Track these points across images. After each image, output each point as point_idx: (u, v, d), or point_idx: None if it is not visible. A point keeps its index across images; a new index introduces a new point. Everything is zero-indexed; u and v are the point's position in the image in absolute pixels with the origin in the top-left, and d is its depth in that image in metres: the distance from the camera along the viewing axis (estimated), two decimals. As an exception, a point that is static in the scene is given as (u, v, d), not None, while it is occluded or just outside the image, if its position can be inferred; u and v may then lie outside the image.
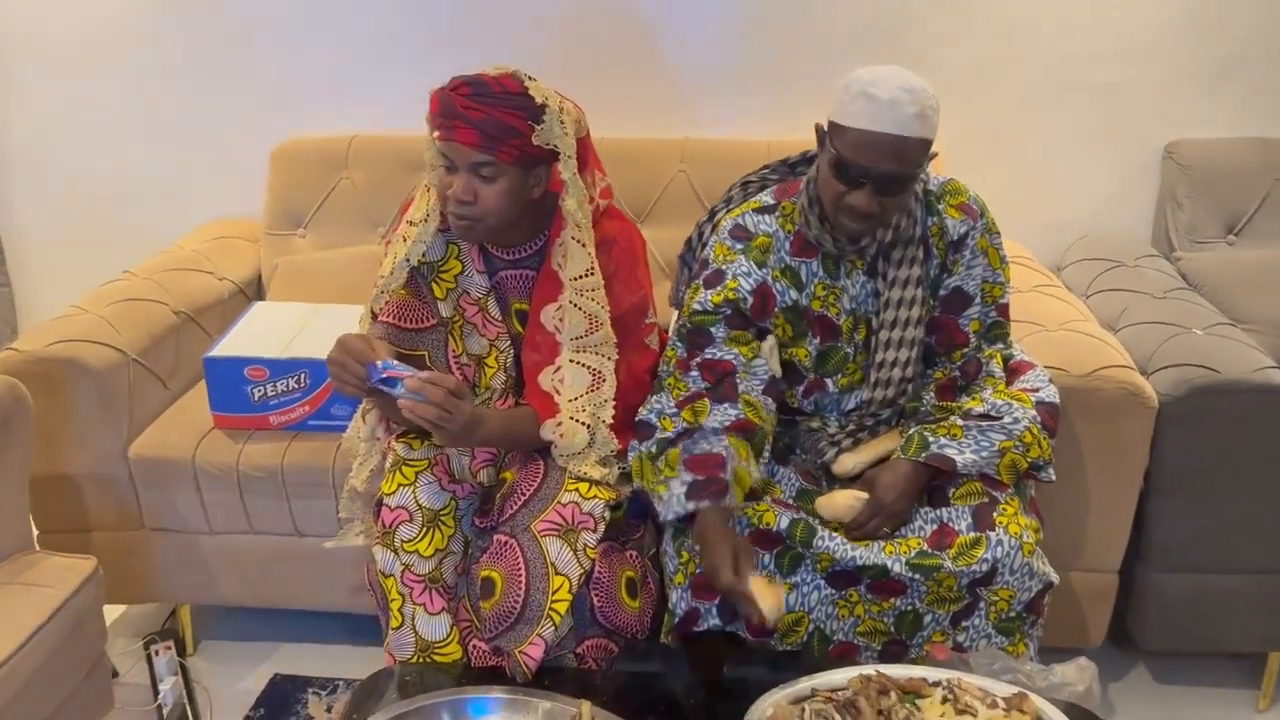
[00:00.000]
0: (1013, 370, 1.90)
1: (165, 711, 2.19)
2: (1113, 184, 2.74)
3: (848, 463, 1.86)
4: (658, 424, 1.80)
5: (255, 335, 2.30)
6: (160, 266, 2.59)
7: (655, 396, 1.85)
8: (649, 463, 1.78)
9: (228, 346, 2.26)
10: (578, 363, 1.80)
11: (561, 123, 1.72)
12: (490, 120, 1.67)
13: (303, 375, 2.21)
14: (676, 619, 1.79)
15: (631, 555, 1.85)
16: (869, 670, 1.62)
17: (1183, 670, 2.31)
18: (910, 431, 1.81)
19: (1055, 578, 1.79)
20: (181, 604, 2.41)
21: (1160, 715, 2.21)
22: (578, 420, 1.79)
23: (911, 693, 1.59)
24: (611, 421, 1.81)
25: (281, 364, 2.20)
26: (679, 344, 1.85)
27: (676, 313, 1.99)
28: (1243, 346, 2.12)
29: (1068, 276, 2.60)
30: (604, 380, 1.81)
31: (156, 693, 2.23)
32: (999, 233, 1.86)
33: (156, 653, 2.29)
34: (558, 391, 1.80)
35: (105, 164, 2.93)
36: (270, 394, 2.22)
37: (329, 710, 2.24)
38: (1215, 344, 2.12)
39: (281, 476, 2.19)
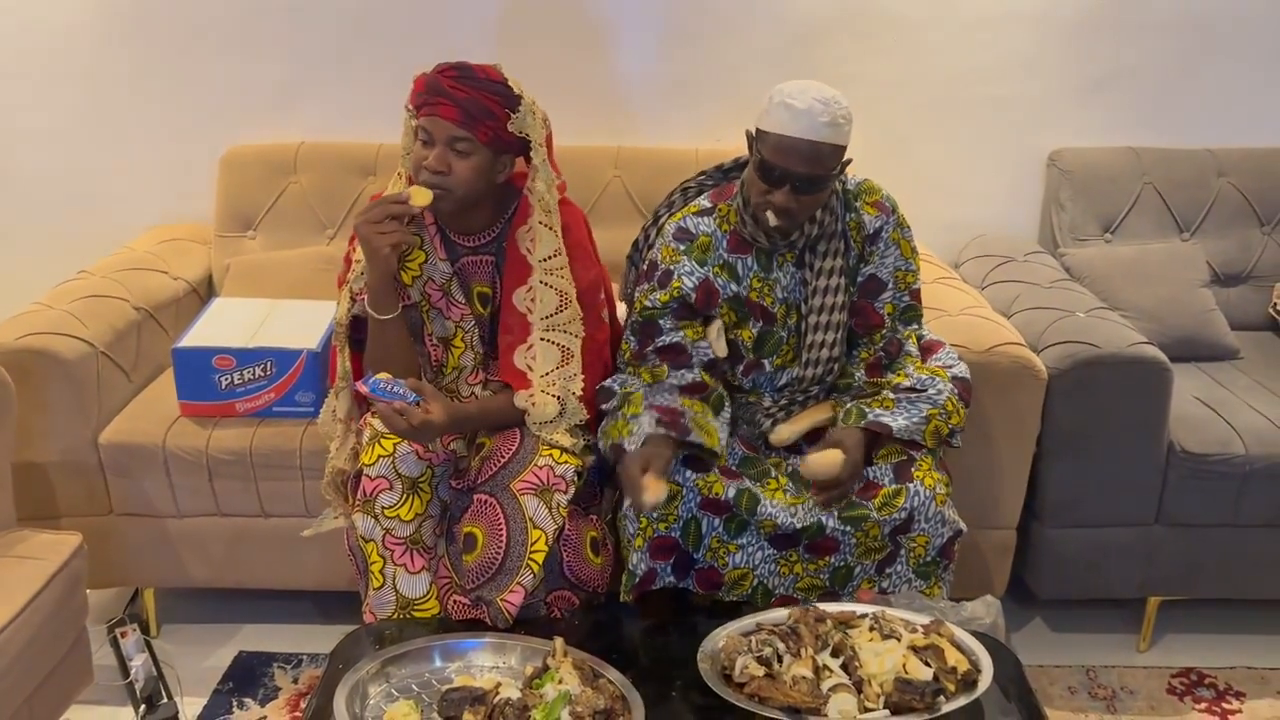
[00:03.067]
0: (925, 349, 2.13)
1: (138, 687, 2.28)
2: (1003, 188, 3.03)
3: (784, 433, 2.07)
4: (617, 390, 2.00)
5: (219, 327, 2.43)
6: (116, 266, 2.69)
7: (615, 376, 2.04)
8: (612, 421, 1.96)
9: (195, 337, 2.38)
10: (548, 340, 1.99)
11: (534, 114, 1.92)
12: (472, 100, 1.87)
13: (268, 364, 2.34)
14: (635, 578, 1.98)
15: (593, 519, 2.04)
16: (808, 605, 1.85)
17: (1074, 618, 2.59)
18: (848, 405, 2.02)
19: (964, 526, 2.04)
20: (148, 587, 2.51)
21: (1056, 659, 2.47)
22: (549, 393, 1.97)
23: (844, 623, 1.82)
24: (581, 393, 2.00)
25: (248, 353, 2.34)
26: (631, 338, 2.05)
27: (627, 309, 2.17)
28: (1119, 326, 2.42)
29: (965, 271, 2.89)
30: (572, 356, 2.00)
31: (126, 672, 2.32)
32: (909, 227, 2.09)
33: (123, 634, 2.39)
34: (530, 368, 1.98)
35: (48, 169, 2.99)
36: (237, 382, 2.35)
37: (295, 681, 2.37)
38: (1095, 324, 2.41)
39: (250, 459, 2.32)
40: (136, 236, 2.92)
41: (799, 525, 1.94)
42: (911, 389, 2.02)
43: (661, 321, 2.02)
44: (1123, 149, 2.92)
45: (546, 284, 1.98)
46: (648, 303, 2.02)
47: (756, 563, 1.99)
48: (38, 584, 1.89)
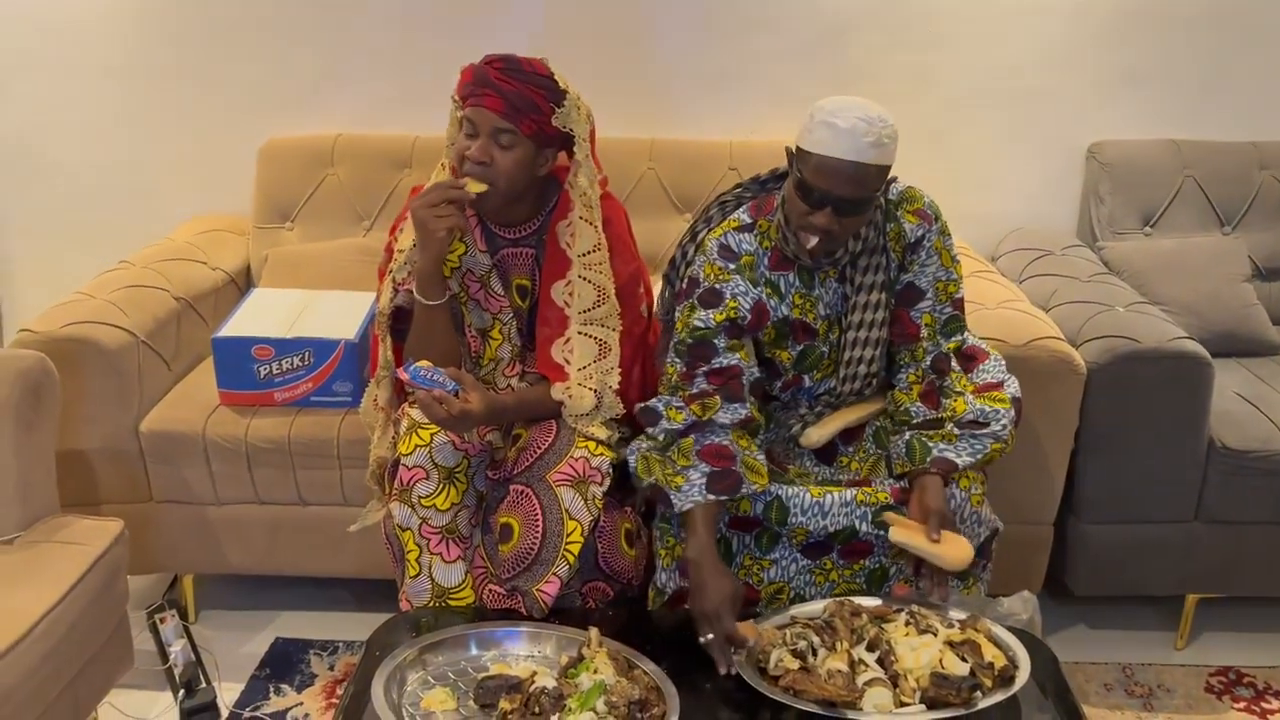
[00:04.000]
0: (968, 356, 2.03)
1: (177, 672, 2.31)
2: (1041, 181, 3.01)
3: (814, 435, 2.03)
4: (664, 412, 1.93)
5: (259, 317, 2.45)
6: (156, 256, 2.72)
7: (659, 396, 1.97)
8: (657, 456, 1.91)
9: (235, 327, 2.40)
10: (585, 334, 1.99)
11: (578, 109, 1.92)
12: (517, 93, 1.87)
13: (307, 353, 2.36)
14: (665, 596, 1.97)
15: (627, 511, 2.04)
16: (843, 599, 1.85)
17: (1110, 615, 2.57)
18: (908, 437, 1.94)
19: (1000, 524, 2.02)
20: (187, 573, 2.54)
21: (1092, 656, 2.45)
22: (585, 386, 1.97)
23: (880, 617, 1.82)
24: (617, 387, 2.00)
25: (287, 343, 2.36)
26: (677, 360, 1.94)
27: (665, 330, 2.09)
28: (1159, 320, 2.39)
29: (1002, 264, 2.87)
30: (610, 350, 2.00)
31: (165, 657, 2.36)
32: (950, 235, 2.02)
33: (162, 620, 2.43)
34: (568, 362, 1.99)
35: (90, 161, 3.03)
36: (275, 372, 2.37)
37: (331, 668, 2.39)
38: (1135, 319, 2.39)
39: (288, 448, 2.35)
40: (176, 227, 2.96)
41: (831, 529, 1.92)
42: (975, 422, 1.94)
43: (716, 341, 1.92)
44: (1163, 141, 2.89)
45: (585, 279, 1.98)
46: (697, 322, 1.92)
47: (791, 575, 1.97)
48: (81, 569, 1.92)
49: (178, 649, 2.34)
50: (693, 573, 1.82)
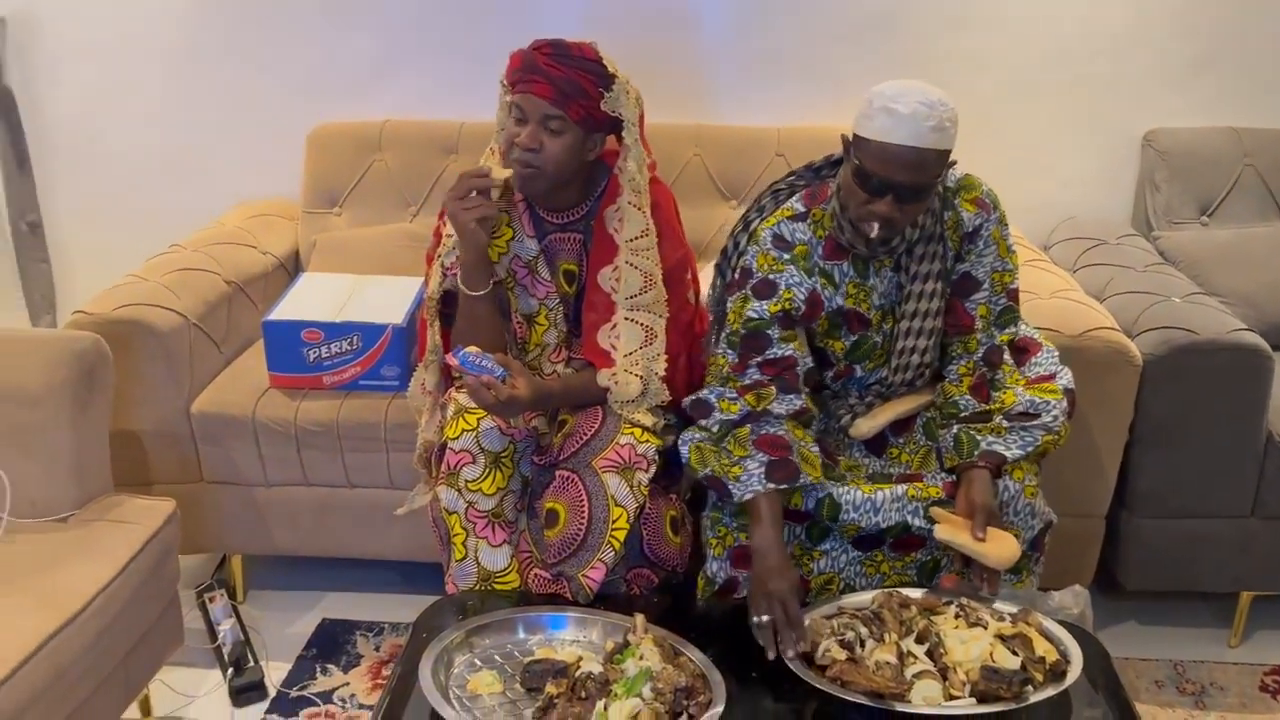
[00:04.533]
0: (1020, 348, 2.00)
1: (226, 650, 2.35)
2: (1095, 169, 2.95)
3: (863, 427, 2.01)
4: (716, 404, 1.91)
5: (308, 301, 2.47)
6: (207, 240, 2.74)
7: (709, 387, 1.95)
8: (711, 446, 1.90)
9: (285, 311, 2.43)
10: (632, 320, 1.99)
11: (627, 93, 1.91)
12: (566, 79, 1.87)
13: (355, 338, 2.38)
14: (715, 586, 1.96)
15: (672, 498, 2.04)
16: (891, 590, 1.83)
17: (1162, 611, 2.53)
18: (955, 431, 1.93)
19: (1054, 517, 1.99)
20: (236, 553, 2.58)
21: (1143, 652, 2.42)
22: (631, 373, 1.97)
23: (929, 609, 1.80)
24: (664, 373, 1.99)
25: (336, 327, 2.38)
26: (728, 351, 1.92)
27: (715, 321, 2.05)
28: (1217, 312, 2.34)
29: (1055, 254, 2.82)
30: (656, 336, 2.00)
31: (214, 635, 2.39)
32: (1008, 224, 1.98)
33: (211, 599, 2.46)
34: (614, 348, 1.99)
35: (141, 146, 3.06)
36: (325, 355, 2.39)
37: (377, 649, 2.41)
38: (1192, 310, 2.34)
39: (337, 431, 2.37)
40: (225, 212, 2.98)
41: (883, 525, 1.90)
42: (1025, 414, 1.91)
43: (770, 332, 1.90)
44: (1223, 129, 2.82)
45: (632, 264, 1.98)
46: (751, 313, 1.90)
47: (841, 565, 1.96)
48: (134, 548, 1.95)
49: (226, 628, 2.38)
50: (758, 561, 1.80)
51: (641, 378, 1.98)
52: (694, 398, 1.96)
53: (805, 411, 1.92)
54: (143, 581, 1.96)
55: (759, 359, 1.91)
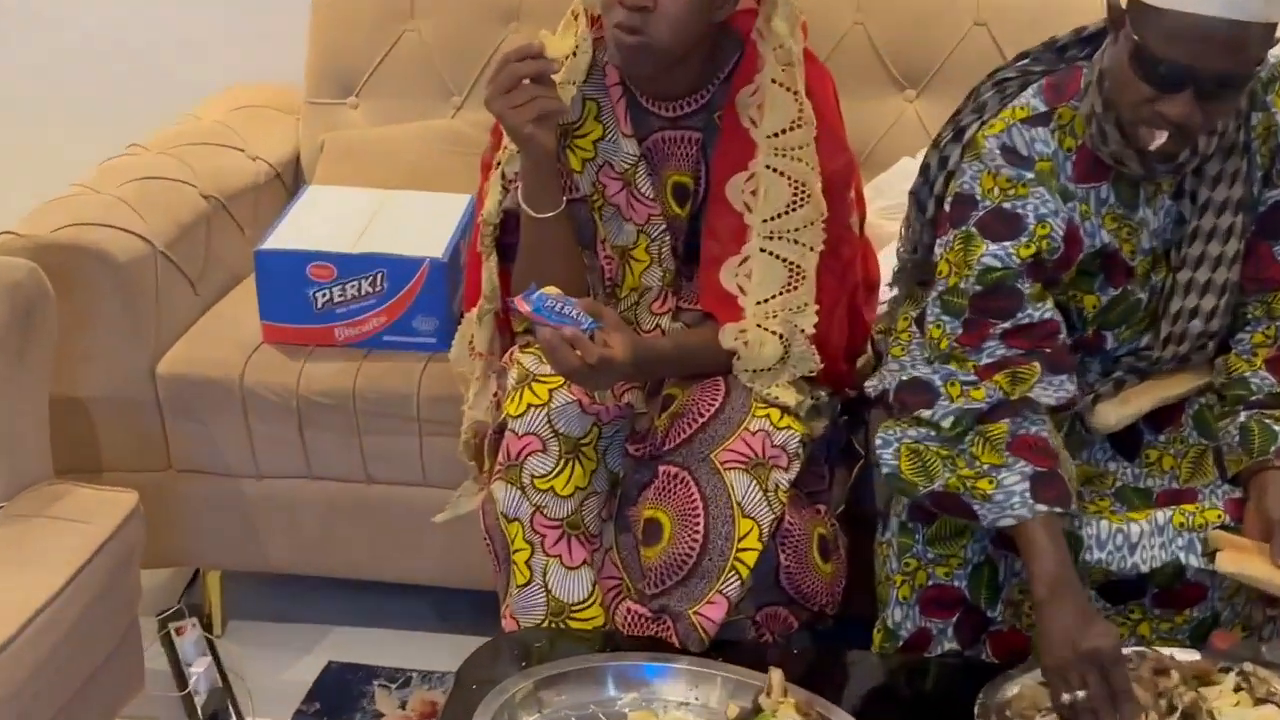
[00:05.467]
0: None
1: (199, 700, 2.39)
2: None
3: (1109, 415, 1.97)
4: (943, 388, 1.86)
5: (315, 225, 2.50)
6: (176, 140, 2.78)
7: (922, 363, 1.91)
8: (942, 449, 1.84)
9: (283, 238, 2.45)
10: (772, 253, 1.96)
11: None
12: None
13: (378, 276, 2.39)
14: (899, 640, 1.94)
15: (821, 510, 2.02)
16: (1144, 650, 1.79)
17: None
18: (1243, 420, 1.88)
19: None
20: (213, 569, 2.62)
21: None
22: (767, 329, 1.95)
23: (1197, 677, 1.76)
24: (813, 331, 1.97)
25: (353, 260, 2.39)
26: (948, 319, 1.89)
27: (895, 271, 2.07)
28: None
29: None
30: (804, 278, 1.97)
31: (183, 680, 2.44)
32: None
33: (180, 631, 2.51)
34: (743, 291, 1.97)
35: (92, 18, 3.12)
36: (337, 299, 2.41)
37: (403, 706, 2.44)
38: None
39: (353, 405, 2.39)
40: (202, 102, 3.01)
41: (1146, 569, 1.86)
42: None
43: (1019, 285, 1.85)
44: None
45: (776, 169, 1.95)
46: (989, 260, 1.84)
47: None
48: (84, 555, 1.97)
49: (199, 671, 2.42)
50: (1051, 610, 1.73)
51: (782, 336, 1.95)
52: (905, 380, 1.90)
53: (1073, 401, 1.88)
54: (93, 602, 1.99)
55: (1004, 325, 1.86)
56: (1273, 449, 1.84)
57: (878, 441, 1.89)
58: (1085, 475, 1.97)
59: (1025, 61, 1.97)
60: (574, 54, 1.98)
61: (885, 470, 1.88)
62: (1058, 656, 1.70)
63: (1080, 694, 1.66)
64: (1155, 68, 1.70)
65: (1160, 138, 1.74)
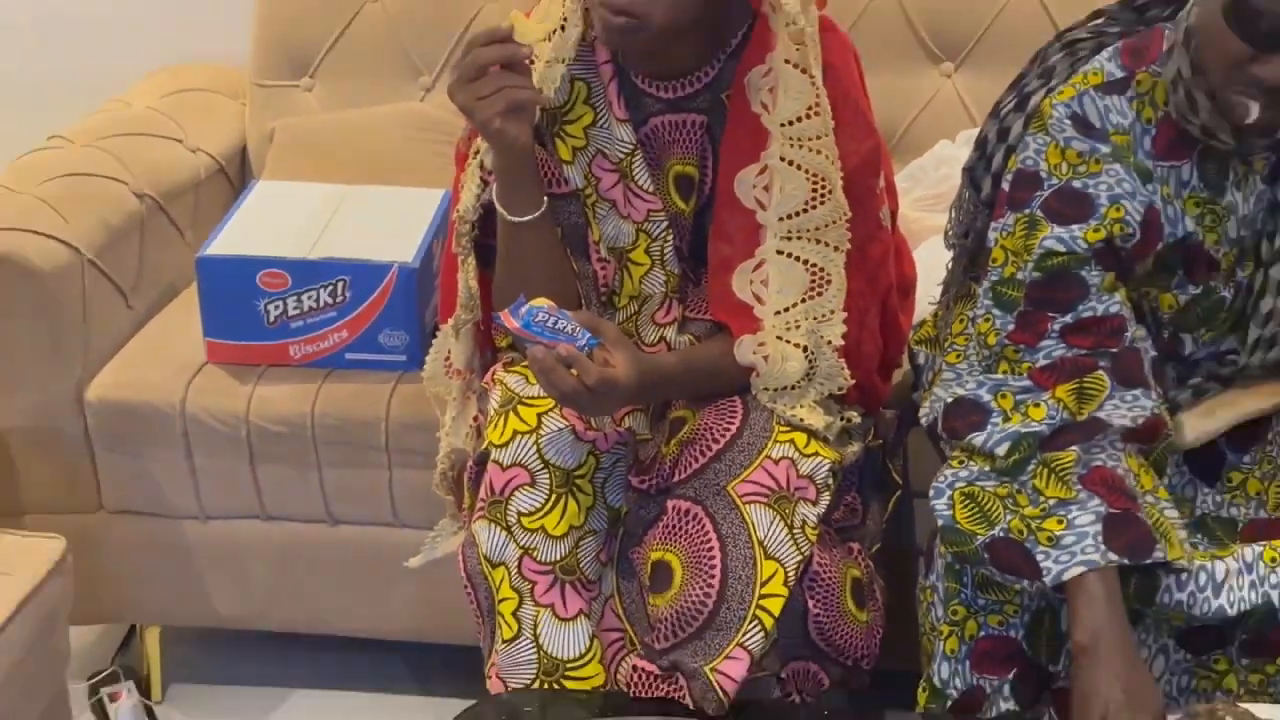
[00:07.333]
0: None
1: (136, 779, 2.39)
2: None
3: (1186, 431, 1.97)
4: (993, 404, 1.88)
5: (264, 228, 2.50)
6: (103, 130, 2.79)
7: (968, 375, 1.92)
8: (999, 487, 1.84)
9: (229, 242, 2.45)
10: (789, 254, 1.96)
11: None
12: None
13: (339, 285, 2.40)
14: (948, 701, 1.94)
15: (855, 550, 2.02)
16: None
17: None
18: None
19: None
20: (151, 624, 2.62)
21: None
22: (789, 341, 1.95)
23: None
24: (842, 343, 1.97)
25: (310, 267, 2.40)
26: (999, 313, 1.91)
27: (951, 264, 2.08)
28: None
29: None
30: (828, 282, 1.97)
31: (119, 753, 2.45)
32: None
33: (114, 697, 2.51)
34: (759, 300, 1.97)
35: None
36: (292, 312, 2.41)
37: (371, 784, 2.45)
38: None
39: (311, 433, 2.39)
40: (134, 85, 3.03)
41: (1233, 613, 1.85)
42: None
43: (1085, 274, 1.86)
44: None
45: (792, 161, 1.95)
46: (1050, 243, 1.87)
47: (1159, 672, 1.93)
48: (3, 612, 1.98)
49: (136, 744, 2.42)
50: (1095, 669, 1.75)
51: (806, 349, 1.96)
52: (950, 400, 1.92)
53: (1159, 426, 1.87)
54: (13, 667, 1.99)
55: (1064, 319, 1.87)
56: None
57: (931, 492, 1.89)
58: (1171, 498, 1.96)
59: (1100, 21, 1.99)
60: (562, 27, 1.98)
61: (941, 523, 1.87)
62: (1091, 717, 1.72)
63: None
64: (1256, 23, 1.71)
65: (1254, 109, 1.75)
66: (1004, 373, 1.88)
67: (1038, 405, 1.85)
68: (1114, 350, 1.86)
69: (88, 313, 2.46)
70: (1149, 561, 1.77)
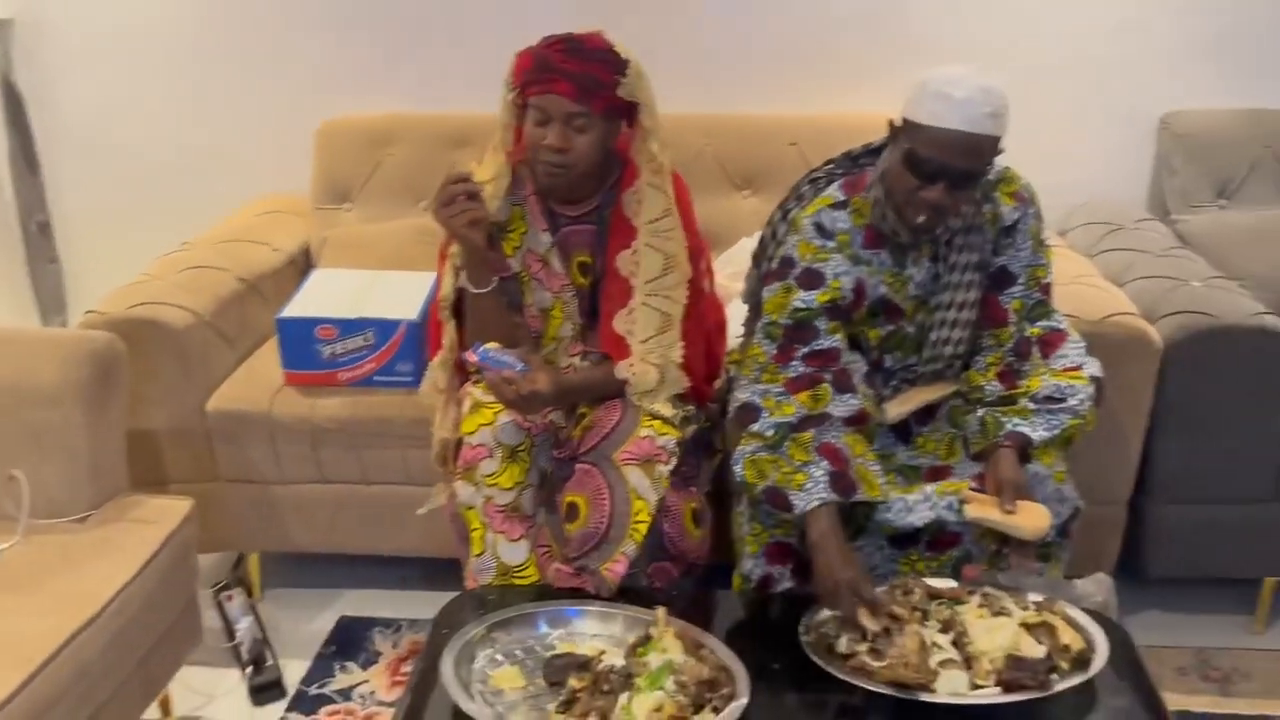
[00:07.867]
0: (1047, 342, 1.95)
1: (244, 649, 2.35)
2: (1110, 153, 2.93)
3: (891, 411, 2.00)
4: (763, 405, 1.86)
5: (321, 297, 2.47)
6: (217, 238, 2.75)
7: (749, 385, 1.90)
8: (768, 455, 1.83)
9: (298, 307, 2.43)
10: (650, 306, 1.98)
11: (641, 75, 1.91)
12: (585, 74, 1.86)
13: (370, 333, 2.38)
14: (752, 583, 1.95)
15: (693, 490, 2.04)
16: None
17: (1185, 598, 2.52)
18: (980, 414, 1.92)
19: (1081, 503, 1.97)
20: (252, 551, 2.59)
21: (1165, 639, 2.41)
22: (648, 362, 1.97)
23: (953, 599, 1.79)
24: (681, 361, 1.99)
25: (350, 323, 2.37)
26: (767, 343, 1.90)
27: (752, 314, 2.04)
28: (1237, 296, 2.33)
29: (1073, 238, 2.80)
30: (672, 323, 1.99)
31: (232, 634, 2.40)
32: (1043, 219, 1.96)
33: (229, 598, 2.47)
34: (630, 334, 1.98)
35: (149, 145, 3.07)
36: (339, 351, 2.39)
37: (396, 646, 2.42)
38: (1213, 294, 2.33)
39: (353, 428, 2.37)
40: (236, 209, 2.99)
41: (918, 525, 1.89)
42: (1050, 398, 1.89)
43: (818, 323, 1.87)
44: (1242, 111, 2.81)
45: (652, 246, 1.97)
46: (798, 303, 1.87)
47: (876, 563, 1.94)
48: (152, 547, 1.95)
49: (244, 626, 2.39)
50: (820, 554, 1.76)
51: (659, 366, 1.97)
52: (738, 404, 1.89)
53: (865, 416, 1.88)
54: (161, 581, 1.97)
55: (804, 350, 1.88)
56: (1001, 434, 1.89)
57: (734, 460, 1.90)
58: (876, 456, 1.98)
59: (831, 165, 2.01)
60: (495, 178, 1.99)
61: (737, 478, 1.88)
62: (823, 585, 1.75)
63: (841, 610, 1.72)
64: (920, 166, 1.76)
65: (921, 216, 1.80)
66: (768, 383, 1.89)
67: (789, 405, 1.86)
68: (834, 369, 1.88)
69: (206, 354, 2.43)
70: (855, 499, 1.80)
